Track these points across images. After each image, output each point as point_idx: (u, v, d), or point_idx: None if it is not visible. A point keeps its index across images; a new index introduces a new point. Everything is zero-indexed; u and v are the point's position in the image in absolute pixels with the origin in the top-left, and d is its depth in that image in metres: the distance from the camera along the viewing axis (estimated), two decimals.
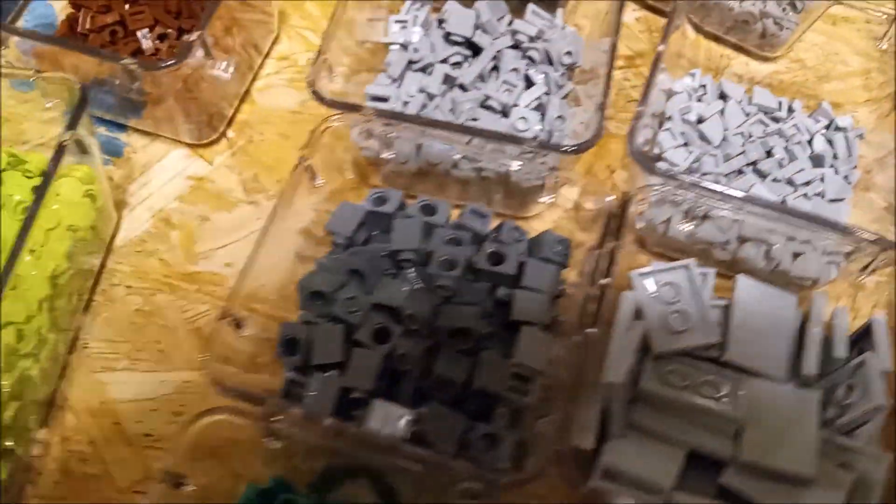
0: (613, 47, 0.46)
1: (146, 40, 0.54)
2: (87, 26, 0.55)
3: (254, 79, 0.60)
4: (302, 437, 0.39)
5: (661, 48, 0.47)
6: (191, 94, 0.54)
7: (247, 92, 0.59)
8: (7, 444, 0.44)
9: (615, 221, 0.45)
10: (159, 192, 0.56)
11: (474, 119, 0.50)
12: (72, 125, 0.45)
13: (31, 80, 0.56)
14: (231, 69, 0.55)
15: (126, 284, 0.53)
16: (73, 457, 0.47)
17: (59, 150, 0.44)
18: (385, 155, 0.48)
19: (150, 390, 0.49)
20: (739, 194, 0.44)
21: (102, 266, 0.53)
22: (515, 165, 0.47)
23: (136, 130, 0.58)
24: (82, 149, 0.47)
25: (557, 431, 0.39)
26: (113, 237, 0.54)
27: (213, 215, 0.55)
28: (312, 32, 0.62)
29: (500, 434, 0.41)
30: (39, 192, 0.43)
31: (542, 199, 0.50)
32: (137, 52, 0.55)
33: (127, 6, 0.55)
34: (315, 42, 0.62)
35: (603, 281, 0.42)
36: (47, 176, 0.43)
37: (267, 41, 0.61)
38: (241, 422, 0.39)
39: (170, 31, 0.55)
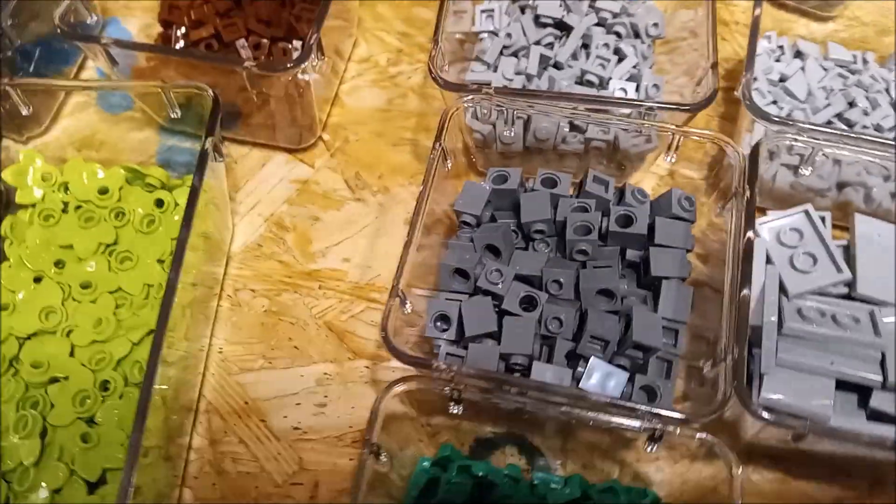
0: (713, 8, 0.48)
1: (245, 50, 0.55)
2: (182, 43, 0.56)
3: (340, 83, 0.62)
4: (479, 397, 0.41)
5: (757, 11, 0.49)
6: (292, 98, 0.56)
7: (336, 96, 0.61)
8: (163, 449, 0.46)
9: (730, 177, 0.47)
10: (267, 198, 0.57)
11: None
12: (211, 131, 0.46)
13: (130, 99, 0.58)
14: (327, 71, 0.56)
15: (250, 288, 0.54)
16: (225, 457, 0.49)
17: (203, 156, 0.45)
18: (505, 133, 0.50)
19: (291, 385, 0.51)
20: (853, 134, 0.47)
21: (224, 273, 0.54)
22: (625, 130, 0.49)
23: (234, 141, 0.59)
24: (219, 153, 0.49)
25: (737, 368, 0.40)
26: (230, 245, 0.55)
27: (323, 215, 0.57)
28: (387, 33, 0.64)
29: (659, 384, 0.43)
30: (191, 201, 0.44)
31: (651, 162, 0.52)
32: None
33: (218, 19, 0.57)
34: (391, 42, 0.64)
35: (748, 234, 0.44)
36: (194, 187, 0.45)
37: (348, 45, 0.63)
38: (426, 386, 0.40)
39: (264, 40, 0.56)
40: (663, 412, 0.38)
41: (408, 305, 0.43)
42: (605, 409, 0.38)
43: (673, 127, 0.46)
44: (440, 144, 0.47)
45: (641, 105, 0.46)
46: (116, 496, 0.38)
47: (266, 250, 0.55)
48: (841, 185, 0.52)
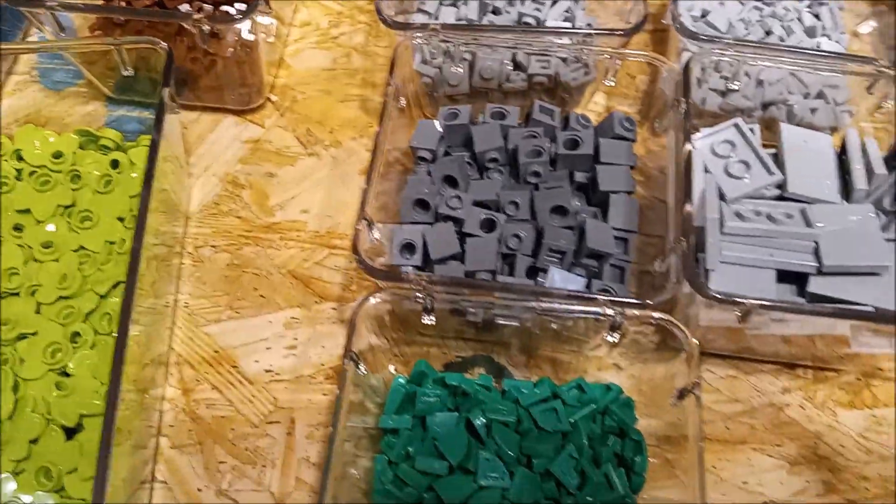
0: None
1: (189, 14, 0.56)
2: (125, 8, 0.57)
3: (284, 46, 0.63)
4: (453, 302, 0.42)
5: None
6: (238, 66, 0.57)
7: (280, 59, 0.63)
8: (145, 398, 0.46)
9: (666, 93, 0.50)
10: (221, 159, 0.58)
11: None
12: (166, 82, 0.47)
13: (74, 73, 0.58)
14: (273, 32, 0.58)
15: (210, 244, 0.55)
16: (200, 404, 0.49)
17: (161, 107, 0.46)
18: (451, 70, 0.52)
19: (260, 331, 0.51)
20: (777, 46, 0.51)
21: (184, 233, 0.55)
22: (566, 62, 0.51)
23: (183, 107, 0.60)
24: (174, 102, 0.49)
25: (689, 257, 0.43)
26: (188, 204, 0.56)
27: (278, 171, 0.58)
28: None
29: (614, 287, 0.45)
30: (151, 156, 0.45)
31: (588, 97, 0.54)
32: (180, 30, 0.57)
33: None
34: (329, 5, 0.66)
35: (686, 147, 0.47)
36: (154, 139, 0.45)
37: (289, 11, 0.64)
38: (400, 296, 0.42)
39: (206, 5, 0.57)
40: (622, 299, 0.41)
41: (374, 232, 0.45)
42: (567, 300, 0.41)
43: (609, 50, 0.49)
44: (393, 81, 0.49)
45: (578, 32, 0.49)
46: (100, 437, 0.39)
47: (224, 208, 0.56)
48: (765, 105, 0.56)
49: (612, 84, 0.51)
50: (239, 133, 0.59)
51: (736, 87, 0.52)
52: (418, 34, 0.49)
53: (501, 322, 0.44)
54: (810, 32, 0.59)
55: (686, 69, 0.48)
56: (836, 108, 0.55)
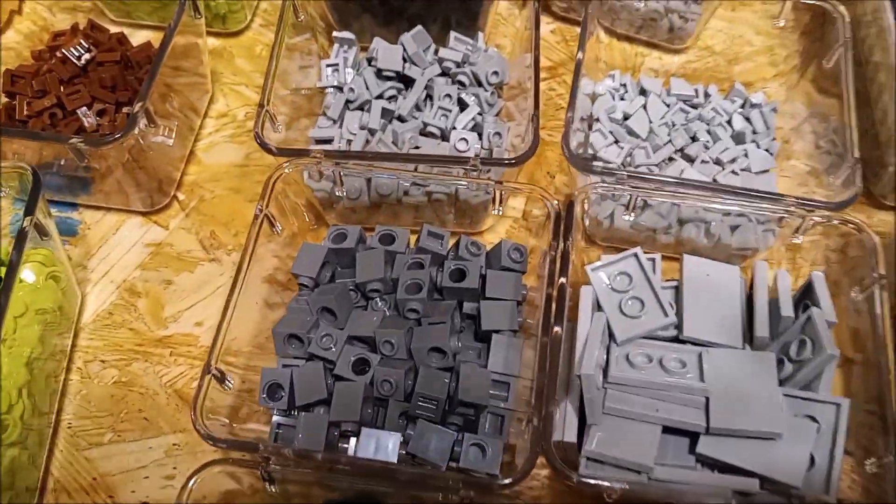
0: (536, 62, 0.49)
1: (87, 118, 0.55)
2: (26, 112, 0.56)
3: (196, 139, 0.61)
4: (298, 477, 0.41)
5: (579, 56, 0.50)
6: (138, 163, 0.55)
7: (191, 153, 0.61)
8: None
9: (563, 223, 0.47)
10: (120, 264, 0.57)
11: (416, 147, 0.53)
12: (29, 210, 0.45)
13: None
14: (173, 134, 0.56)
15: (100, 359, 0.53)
16: None
17: (21, 236, 0.45)
18: (338, 193, 0.50)
19: (140, 458, 0.50)
20: (673, 180, 0.47)
21: (74, 345, 0.54)
22: (463, 184, 0.49)
23: (88, 207, 0.59)
24: (41, 232, 0.48)
25: (541, 431, 0.41)
26: (80, 315, 0.55)
27: (176, 278, 0.56)
28: (246, 87, 0.64)
29: (488, 442, 0.43)
30: (6, 281, 0.43)
31: (491, 212, 0.52)
32: (80, 130, 0.56)
33: (62, 87, 0.56)
34: (250, 96, 0.64)
35: (560, 280, 0.44)
36: (12, 263, 0.44)
37: (203, 102, 0.62)
38: (239, 471, 0.40)
39: (108, 105, 0.56)
40: (473, 477, 0.38)
41: (229, 382, 0.43)
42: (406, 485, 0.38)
43: (492, 183, 0.47)
44: (262, 210, 0.47)
45: (466, 161, 0.46)
46: None
47: (117, 318, 0.55)
48: (682, 222, 0.52)
49: (500, 213, 0.49)
50: (142, 235, 0.58)
51: (628, 219, 0.49)
52: (299, 161, 0.47)
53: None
54: (738, 138, 0.56)
55: (568, 206, 0.45)
56: (758, 226, 0.52)
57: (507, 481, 0.37)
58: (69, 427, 0.51)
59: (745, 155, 0.55)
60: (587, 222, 0.52)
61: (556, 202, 0.45)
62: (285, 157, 0.48)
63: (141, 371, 0.53)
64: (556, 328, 0.43)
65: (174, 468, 0.49)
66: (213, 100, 0.63)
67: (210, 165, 0.61)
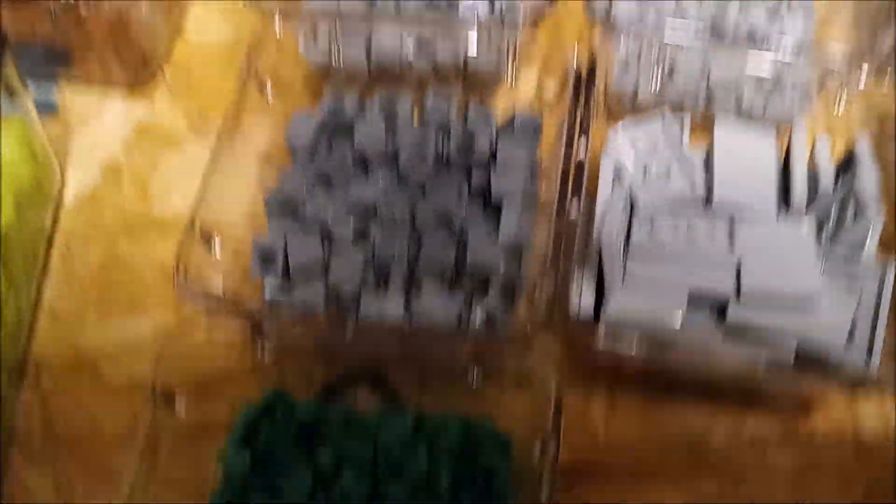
0: None
1: None
2: None
3: (182, 15, 0.57)
4: (296, 340, 0.37)
5: None
6: (120, 36, 0.51)
7: (178, 30, 0.57)
8: None
9: (583, 89, 0.43)
10: (103, 142, 0.53)
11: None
12: None
13: None
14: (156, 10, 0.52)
15: (84, 238, 0.50)
16: (57, 415, 0.45)
17: None
18: (334, 64, 0.46)
19: (128, 336, 0.47)
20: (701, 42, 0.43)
21: (55, 226, 0.50)
22: (473, 46, 0.45)
23: (69, 85, 0.55)
24: (12, 93, 0.44)
25: (556, 302, 0.37)
26: (61, 194, 0.51)
27: (162, 157, 0.52)
28: None
29: (497, 310, 0.39)
30: None
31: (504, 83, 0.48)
32: None
33: None
34: None
35: (579, 148, 0.41)
36: None
37: None
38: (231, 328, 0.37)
39: None
40: (481, 334, 0.35)
41: (216, 246, 0.39)
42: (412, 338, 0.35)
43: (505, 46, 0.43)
44: (251, 66, 0.43)
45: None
46: None
47: (101, 198, 0.51)
48: (710, 94, 0.48)
49: (512, 87, 0.45)
50: (126, 113, 0.54)
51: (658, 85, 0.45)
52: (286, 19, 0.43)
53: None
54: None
55: (591, 65, 0.41)
56: (794, 92, 0.47)
57: (512, 338, 0.34)
58: (50, 308, 0.48)
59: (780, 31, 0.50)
60: (609, 96, 0.48)
61: (575, 66, 0.41)
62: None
63: (126, 250, 0.49)
64: (574, 199, 0.39)
65: (162, 346, 0.46)
66: None
67: (198, 42, 0.56)
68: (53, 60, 0.53)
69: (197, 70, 0.55)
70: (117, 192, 0.51)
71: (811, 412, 0.44)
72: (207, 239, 0.39)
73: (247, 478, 0.37)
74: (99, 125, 0.53)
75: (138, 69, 0.53)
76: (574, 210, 0.40)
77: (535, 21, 0.43)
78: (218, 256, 0.42)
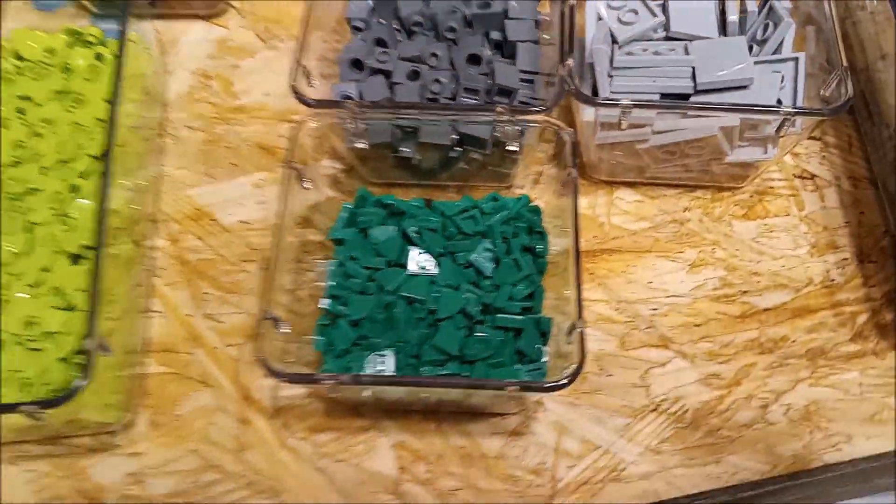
0: None
1: None
2: None
3: None
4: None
5: None
6: None
7: None
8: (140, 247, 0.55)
9: None
10: (192, 56, 0.67)
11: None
12: None
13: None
14: None
15: (187, 125, 0.63)
16: (186, 251, 0.58)
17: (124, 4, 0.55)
18: None
19: (234, 191, 0.60)
20: None
21: (164, 118, 0.64)
22: None
23: (158, 18, 0.68)
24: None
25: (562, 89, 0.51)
26: (164, 95, 0.65)
27: (241, 63, 0.66)
28: None
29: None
30: (120, 46, 0.54)
31: None
32: None
33: None
34: None
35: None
36: (122, 26, 0.54)
37: None
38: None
39: None
40: (518, 105, 0.49)
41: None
42: (472, 111, 0.49)
43: None
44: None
45: None
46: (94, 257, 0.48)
47: (196, 96, 0.65)
48: None
49: None
50: (206, 34, 0.68)
51: None
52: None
53: (430, 142, 0.52)
54: None
55: None
56: None
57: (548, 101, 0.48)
58: (169, 176, 0.61)
59: None
60: None
61: None
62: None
63: (223, 132, 0.63)
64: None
65: (263, 196, 0.60)
66: None
67: None
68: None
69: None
70: (208, 90, 0.65)
71: (766, 196, 0.58)
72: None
73: (353, 245, 0.51)
74: (187, 44, 0.67)
75: (213, 2, 0.67)
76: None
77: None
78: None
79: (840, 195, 0.58)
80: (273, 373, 0.42)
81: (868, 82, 0.59)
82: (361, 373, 0.46)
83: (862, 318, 0.53)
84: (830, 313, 0.53)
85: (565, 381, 0.41)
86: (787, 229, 0.57)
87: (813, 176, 0.59)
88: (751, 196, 0.58)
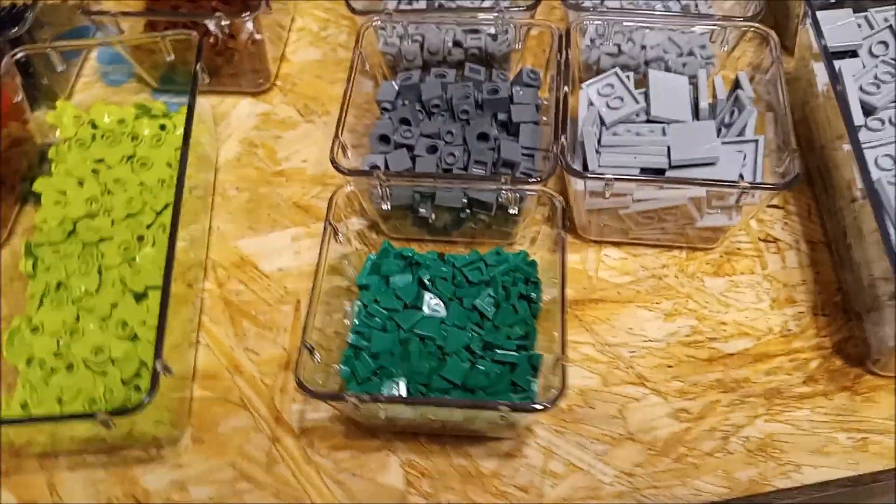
0: None
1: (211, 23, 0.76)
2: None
3: (285, 46, 0.83)
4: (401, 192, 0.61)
5: None
6: (251, 50, 0.76)
7: (283, 55, 0.82)
8: (192, 289, 0.64)
9: (565, 48, 0.68)
10: (240, 127, 0.77)
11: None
12: (198, 58, 0.66)
13: (127, 73, 0.78)
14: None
15: (235, 187, 0.73)
16: (230, 293, 0.67)
17: (195, 77, 0.65)
18: (404, 46, 0.71)
19: (273, 243, 0.70)
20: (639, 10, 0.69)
21: (215, 180, 0.74)
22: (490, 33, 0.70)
23: (209, 94, 0.79)
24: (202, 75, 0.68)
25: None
26: (217, 159, 0.75)
27: (283, 134, 0.77)
28: (316, 9, 0.86)
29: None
30: (190, 106, 0.64)
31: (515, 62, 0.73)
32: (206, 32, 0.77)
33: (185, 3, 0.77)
34: (320, 15, 0.86)
35: (564, 88, 0.65)
36: (191, 99, 0.64)
37: (288, 20, 0.84)
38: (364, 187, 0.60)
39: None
40: (519, 176, 0.59)
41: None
42: (480, 181, 0.59)
43: (513, 21, 0.68)
44: (358, 51, 0.68)
45: (493, 8, 0.68)
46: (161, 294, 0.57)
47: (243, 161, 0.75)
48: (647, 62, 0.73)
49: (519, 48, 0.70)
50: (252, 109, 0.78)
51: (610, 45, 0.70)
52: (376, 18, 0.68)
53: (444, 205, 0.62)
54: (685, 9, 0.77)
55: (567, 32, 0.66)
56: (702, 61, 0.72)
57: (543, 173, 0.57)
58: (218, 229, 0.71)
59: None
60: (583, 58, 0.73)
61: (558, 30, 0.67)
62: (362, 14, 0.68)
63: (266, 192, 0.73)
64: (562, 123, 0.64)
65: (299, 246, 0.69)
66: (294, 20, 0.85)
67: (297, 62, 0.82)
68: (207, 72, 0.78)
69: (296, 78, 0.80)
70: (254, 156, 0.75)
71: (734, 257, 0.67)
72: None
73: (376, 290, 0.60)
74: (236, 117, 0.78)
75: (261, 81, 0.78)
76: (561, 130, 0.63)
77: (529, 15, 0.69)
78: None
79: (799, 256, 0.66)
80: (309, 392, 0.51)
81: (825, 158, 0.68)
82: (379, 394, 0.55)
83: (814, 364, 0.61)
84: (787, 359, 0.61)
85: (548, 405, 0.49)
86: (752, 285, 0.65)
87: (776, 240, 0.67)
88: (720, 256, 0.67)
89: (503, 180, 0.59)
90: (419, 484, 0.57)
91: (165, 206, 0.66)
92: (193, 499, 0.58)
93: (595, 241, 0.68)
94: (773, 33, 0.66)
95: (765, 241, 0.68)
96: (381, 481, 0.57)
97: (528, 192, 0.60)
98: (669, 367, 0.61)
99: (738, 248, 0.68)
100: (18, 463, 0.59)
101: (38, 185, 0.67)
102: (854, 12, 0.70)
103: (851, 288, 0.63)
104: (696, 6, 0.77)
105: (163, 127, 0.71)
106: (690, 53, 0.73)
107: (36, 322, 0.60)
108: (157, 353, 0.53)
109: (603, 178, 0.59)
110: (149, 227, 0.65)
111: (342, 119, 0.64)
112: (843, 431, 0.58)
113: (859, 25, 0.68)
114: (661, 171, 0.63)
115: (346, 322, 0.60)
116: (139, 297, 0.61)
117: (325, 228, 0.59)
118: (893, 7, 0.69)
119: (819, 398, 0.59)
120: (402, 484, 0.57)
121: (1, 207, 0.69)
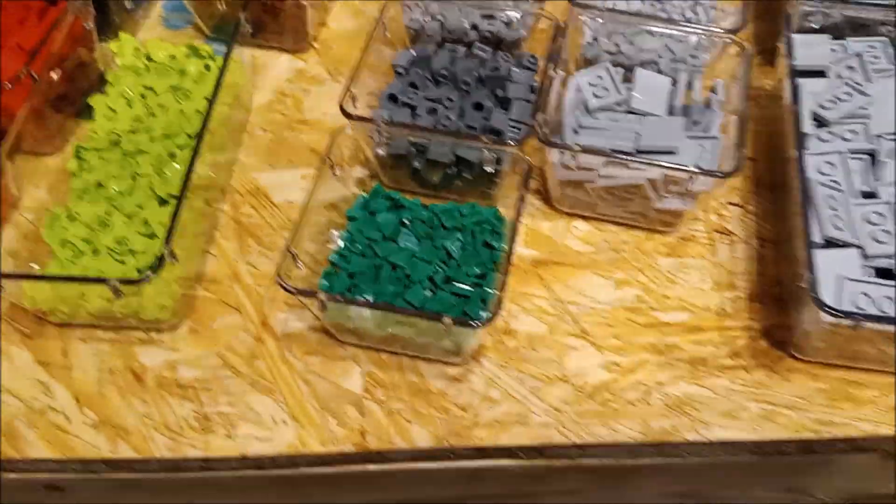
0: None
1: None
2: None
3: (327, 14, 0.93)
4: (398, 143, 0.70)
5: None
6: (292, 21, 0.86)
7: (324, 23, 0.92)
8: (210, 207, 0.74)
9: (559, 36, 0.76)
10: (276, 78, 0.87)
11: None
12: (244, 9, 0.76)
13: (186, 20, 0.88)
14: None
15: (262, 128, 0.83)
16: (241, 216, 0.77)
17: (237, 24, 0.76)
18: (427, 24, 0.80)
19: (286, 178, 0.79)
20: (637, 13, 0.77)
21: (247, 121, 0.84)
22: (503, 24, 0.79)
23: (256, 47, 0.89)
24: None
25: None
26: (251, 104, 0.85)
27: (311, 88, 0.86)
28: None
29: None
30: (227, 52, 0.74)
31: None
32: None
33: None
34: None
35: (557, 71, 0.73)
36: (234, 36, 0.75)
37: None
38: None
39: None
40: (497, 138, 0.67)
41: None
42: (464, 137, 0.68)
43: (523, 11, 0.77)
44: (382, 21, 0.77)
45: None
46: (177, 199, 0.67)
47: (273, 108, 0.85)
48: (642, 63, 0.81)
49: (526, 36, 0.78)
50: (289, 65, 0.88)
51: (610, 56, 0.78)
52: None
53: (434, 159, 0.70)
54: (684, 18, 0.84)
55: (565, 24, 0.74)
56: (691, 67, 0.80)
57: (519, 136, 0.66)
58: (241, 161, 0.81)
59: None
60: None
61: (557, 20, 0.75)
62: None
63: (289, 137, 0.82)
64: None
65: (306, 185, 0.78)
66: None
67: (335, 29, 0.92)
68: (252, 29, 0.88)
69: (332, 44, 0.90)
70: (283, 104, 0.85)
71: (688, 241, 0.74)
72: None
73: (363, 222, 0.69)
74: (273, 68, 0.88)
75: (300, 41, 0.88)
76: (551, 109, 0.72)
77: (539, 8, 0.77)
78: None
79: (748, 250, 0.73)
80: (285, 287, 0.60)
81: (785, 166, 0.74)
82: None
83: (741, 342, 0.67)
84: (717, 334, 0.68)
85: (480, 322, 0.57)
86: (699, 268, 0.72)
87: (730, 233, 0.74)
88: (677, 240, 0.74)
89: (483, 139, 0.67)
90: (374, 391, 0.66)
91: (198, 132, 0.76)
92: (181, 377, 0.67)
93: (567, 213, 0.76)
94: (748, 46, 0.73)
95: (720, 232, 0.75)
96: (343, 385, 0.66)
97: (505, 153, 0.69)
98: (610, 326, 0.69)
99: (694, 236, 0.75)
100: (41, 329, 0.70)
101: (93, 101, 0.77)
102: (834, 39, 0.76)
103: (787, 281, 0.69)
104: (697, 17, 0.84)
105: (207, 67, 0.81)
106: (682, 60, 0.80)
107: (73, 212, 0.70)
108: (167, 241, 0.63)
109: (569, 148, 0.67)
110: (181, 148, 0.75)
111: (355, 73, 0.73)
112: (755, 402, 0.64)
113: (833, 50, 0.75)
114: (628, 154, 0.71)
115: (334, 248, 0.69)
116: (162, 202, 0.71)
117: (323, 161, 0.69)
118: (868, 39, 0.75)
119: (740, 371, 0.66)
120: (360, 389, 0.66)
121: (65, 118, 0.80)
